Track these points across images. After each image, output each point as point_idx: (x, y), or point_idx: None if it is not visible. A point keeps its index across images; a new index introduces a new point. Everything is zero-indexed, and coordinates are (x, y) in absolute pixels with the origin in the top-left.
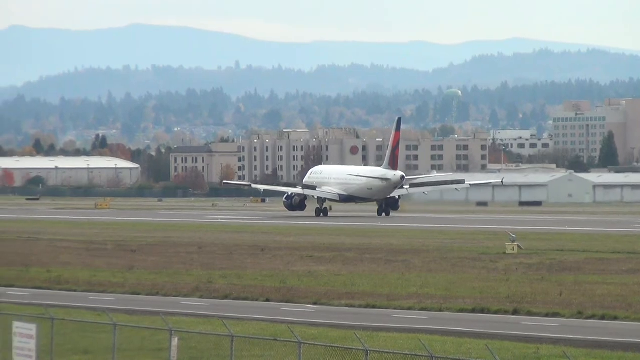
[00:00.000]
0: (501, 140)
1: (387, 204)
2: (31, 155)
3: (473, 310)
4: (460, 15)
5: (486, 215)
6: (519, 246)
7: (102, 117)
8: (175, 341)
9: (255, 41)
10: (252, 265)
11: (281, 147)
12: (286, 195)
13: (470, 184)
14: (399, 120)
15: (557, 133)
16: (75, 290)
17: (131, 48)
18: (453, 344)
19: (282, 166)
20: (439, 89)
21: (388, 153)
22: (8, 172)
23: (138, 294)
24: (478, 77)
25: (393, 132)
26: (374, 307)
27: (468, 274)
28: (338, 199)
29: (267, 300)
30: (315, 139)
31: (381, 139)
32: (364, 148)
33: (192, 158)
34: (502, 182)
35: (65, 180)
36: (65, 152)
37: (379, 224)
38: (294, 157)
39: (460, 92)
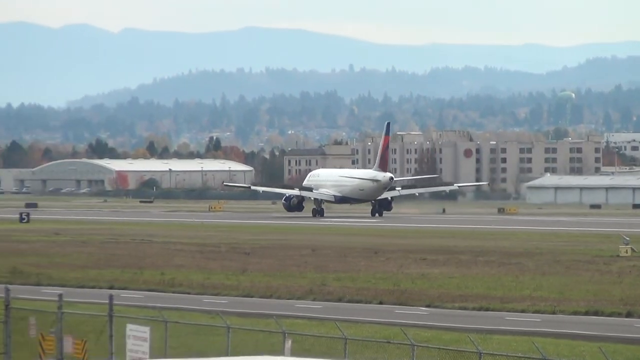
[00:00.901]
0: (614, 142)
1: (380, 205)
2: (145, 157)
3: (586, 313)
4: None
5: (599, 217)
6: (632, 249)
7: (216, 119)
8: (288, 344)
9: (369, 44)
10: (365, 267)
11: (394, 149)
12: (285, 197)
13: (458, 186)
14: (388, 124)
15: None
16: (188, 293)
17: (245, 51)
18: (566, 346)
19: (395, 169)
20: (552, 91)
21: (378, 156)
22: (122, 175)
23: (252, 297)
24: (592, 80)
25: (383, 136)
26: (487, 309)
27: (581, 276)
28: (333, 200)
29: (381, 303)
30: (429, 141)
31: (495, 142)
32: (478, 151)
33: (306, 160)
34: (488, 184)
35: (179, 182)
36: (179, 155)
37: (496, 227)
38: (407, 159)
39: (573, 95)
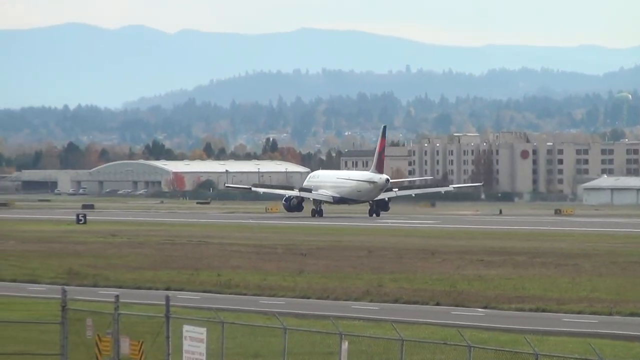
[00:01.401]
0: None
1: (378, 205)
2: (202, 159)
3: None
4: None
5: None
6: None
7: (273, 120)
8: (345, 345)
9: (426, 45)
10: (422, 268)
11: (451, 151)
12: (285, 197)
13: (453, 187)
14: (385, 128)
15: None
16: (245, 294)
17: (301, 52)
18: (623, 348)
19: (452, 170)
20: (609, 92)
21: (375, 158)
22: (179, 176)
23: (308, 298)
24: None
25: (379, 139)
26: (543, 311)
27: (638, 277)
28: (332, 200)
29: (437, 304)
30: (486, 143)
31: (551, 143)
32: (535, 152)
33: (362, 162)
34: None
35: (236, 184)
36: (235, 156)
37: (553, 228)
38: (464, 161)
39: (630, 96)
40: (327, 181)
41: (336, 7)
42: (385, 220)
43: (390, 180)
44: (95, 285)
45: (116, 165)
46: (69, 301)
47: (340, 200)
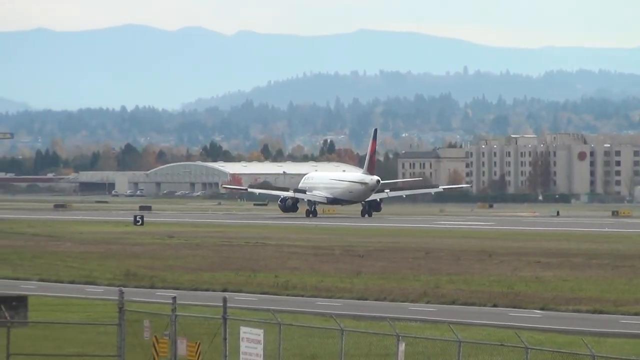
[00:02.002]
0: None
1: (370, 206)
2: (259, 160)
3: None
4: None
5: None
6: None
7: (330, 122)
8: (402, 346)
9: (483, 46)
10: (479, 270)
11: (509, 152)
12: (280, 198)
13: (443, 188)
14: (375, 131)
15: None
16: (302, 296)
17: (359, 53)
18: None
19: (509, 172)
20: None
21: (366, 160)
22: (236, 177)
23: (365, 299)
24: None
25: (370, 141)
26: (601, 312)
27: None
28: (325, 201)
29: (494, 306)
30: (543, 144)
31: (609, 145)
32: (592, 153)
33: (420, 163)
34: (470, 187)
35: (293, 185)
36: (293, 158)
37: (610, 230)
38: (521, 162)
39: None
40: (321, 182)
41: (394, 9)
42: (442, 222)
43: (382, 182)
44: (152, 287)
45: (173, 167)
46: (127, 302)
47: (333, 201)
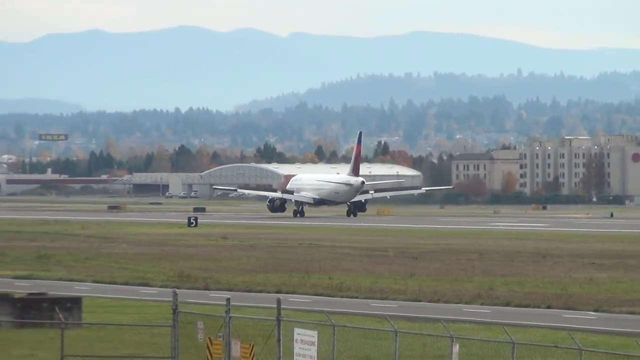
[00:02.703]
0: None
1: (355, 207)
2: (313, 162)
3: None
4: None
5: None
6: None
7: (384, 123)
8: (456, 348)
9: (537, 48)
10: (533, 272)
11: (563, 154)
12: (269, 199)
13: (425, 190)
14: (360, 134)
15: None
16: (356, 297)
17: (413, 55)
18: None
19: (563, 173)
20: None
21: (351, 162)
22: (289, 179)
23: (419, 301)
24: None
25: (356, 144)
26: None
27: None
28: (312, 202)
29: (548, 307)
30: (597, 146)
31: None
32: None
33: (474, 165)
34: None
35: None
36: (346, 159)
37: None
38: (575, 164)
39: None
40: (308, 184)
41: (448, 10)
42: (497, 223)
43: (366, 183)
44: (206, 288)
45: (227, 169)
46: (180, 304)
47: (320, 202)
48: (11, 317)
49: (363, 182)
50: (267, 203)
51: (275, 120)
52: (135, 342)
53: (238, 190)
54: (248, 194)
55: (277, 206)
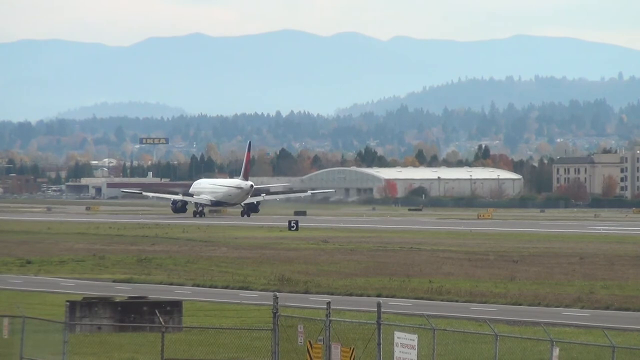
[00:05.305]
0: None
1: (249, 208)
2: (414, 165)
3: None
4: None
5: None
6: None
7: (485, 127)
8: (556, 352)
9: (638, 52)
10: (634, 275)
11: None
12: (172, 200)
13: (311, 192)
14: (250, 143)
15: None
16: (456, 301)
17: (514, 59)
18: None
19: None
20: None
21: (243, 167)
22: (391, 183)
23: (520, 305)
24: None
25: (246, 152)
26: None
27: None
28: (210, 204)
29: None
30: None
31: None
32: None
33: (574, 169)
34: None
35: (448, 190)
36: (447, 163)
37: None
38: None
39: None
40: (206, 187)
41: (550, 15)
42: (597, 227)
43: (255, 186)
44: (306, 292)
45: (328, 172)
46: (281, 308)
47: (216, 204)
48: (112, 321)
49: (252, 186)
50: (170, 204)
51: (376, 124)
52: (235, 345)
53: (143, 193)
54: (152, 196)
55: (179, 207)
